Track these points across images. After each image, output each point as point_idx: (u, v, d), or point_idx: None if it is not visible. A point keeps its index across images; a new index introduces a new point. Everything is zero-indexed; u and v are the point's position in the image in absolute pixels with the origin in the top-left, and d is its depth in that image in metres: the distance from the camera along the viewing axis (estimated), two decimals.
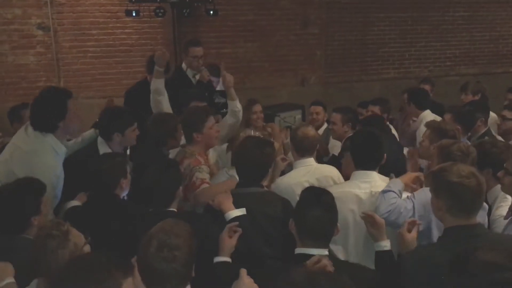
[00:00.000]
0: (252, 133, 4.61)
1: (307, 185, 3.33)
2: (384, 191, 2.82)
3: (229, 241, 2.48)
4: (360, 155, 3.03)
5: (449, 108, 4.50)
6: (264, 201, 2.88)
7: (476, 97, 5.61)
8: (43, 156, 3.07)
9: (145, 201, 2.89)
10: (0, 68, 7.25)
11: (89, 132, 3.68)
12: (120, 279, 1.63)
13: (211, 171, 3.58)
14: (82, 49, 7.57)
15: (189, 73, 5.24)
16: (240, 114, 4.43)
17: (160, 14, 7.28)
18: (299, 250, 2.25)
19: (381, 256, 2.50)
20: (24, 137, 3.19)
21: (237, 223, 2.57)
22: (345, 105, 5.54)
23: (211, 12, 7.61)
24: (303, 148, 3.51)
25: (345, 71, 9.46)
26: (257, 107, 5.11)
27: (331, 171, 3.50)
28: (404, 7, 9.50)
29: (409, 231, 2.41)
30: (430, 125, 3.55)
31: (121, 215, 2.81)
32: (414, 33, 9.75)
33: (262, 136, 4.21)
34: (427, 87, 6.38)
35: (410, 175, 3.09)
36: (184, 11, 7.55)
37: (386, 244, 2.51)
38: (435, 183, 2.24)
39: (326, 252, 2.25)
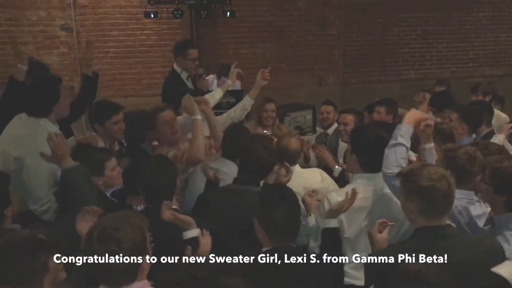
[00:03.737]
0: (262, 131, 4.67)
1: None
2: (395, 144, 2.63)
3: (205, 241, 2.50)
4: (364, 157, 2.87)
5: (456, 107, 4.47)
6: None
7: (487, 98, 5.55)
8: (40, 138, 3.10)
9: (147, 198, 2.92)
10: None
11: (70, 140, 3.65)
12: (45, 258, 1.87)
13: None
14: (103, 50, 7.82)
15: (183, 75, 5.19)
16: (244, 114, 4.51)
17: (178, 15, 7.47)
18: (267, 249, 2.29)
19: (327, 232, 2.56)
20: (19, 124, 3.28)
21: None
22: (363, 106, 5.54)
23: (228, 14, 7.75)
24: (284, 158, 3.50)
25: (364, 71, 9.43)
26: (270, 106, 5.16)
27: (314, 178, 3.53)
28: (426, 7, 9.41)
29: (380, 231, 2.37)
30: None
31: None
32: (435, 34, 9.64)
33: (270, 135, 4.26)
34: (442, 89, 6.33)
35: (414, 115, 2.81)
36: (201, 12, 7.71)
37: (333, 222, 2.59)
38: (406, 186, 2.24)
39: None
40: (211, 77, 6.54)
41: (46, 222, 3.05)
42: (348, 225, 2.76)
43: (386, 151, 2.65)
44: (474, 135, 4.21)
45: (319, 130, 6.26)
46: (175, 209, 2.74)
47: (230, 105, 5.28)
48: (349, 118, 4.59)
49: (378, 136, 2.89)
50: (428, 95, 5.98)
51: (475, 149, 2.72)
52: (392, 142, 2.67)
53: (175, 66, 5.23)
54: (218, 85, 6.19)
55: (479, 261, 2.14)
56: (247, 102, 4.42)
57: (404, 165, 2.59)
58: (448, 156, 2.70)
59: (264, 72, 4.39)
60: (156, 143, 4.30)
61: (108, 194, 3.11)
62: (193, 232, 2.49)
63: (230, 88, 6.22)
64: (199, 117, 3.54)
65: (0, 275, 1.89)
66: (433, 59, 9.77)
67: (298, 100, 8.15)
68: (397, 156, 2.60)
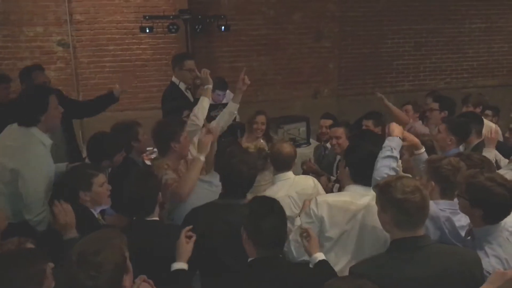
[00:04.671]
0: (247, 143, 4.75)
1: (287, 200, 3.48)
2: (390, 156, 2.76)
3: (185, 247, 2.55)
4: (354, 170, 2.96)
5: (444, 119, 4.54)
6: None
7: (478, 109, 5.61)
8: (33, 148, 3.18)
9: (129, 211, 2.99)
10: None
11: (62, 165, 3.72)
12: (43, 265, 1.93)
13: None
14: (99, 64, 7.89)
15: (182, 86, 5.30)
16: (232, 119, 4.54)
17: (173, 30, 7.56)
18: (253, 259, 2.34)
19: (320, 267, 2.56)
20: (11, 134, 3.33)
21: (191, 226, 2.65)
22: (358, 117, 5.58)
23: (223, 28, 7.85)
24: (278, 164, 3.67)
25: (359, 83, 9.52)
26: (260, 118, 5.25)
27: (307, 183, 3.63)
28: (419, 19, 9.52)
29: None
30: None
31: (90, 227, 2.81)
32: (429, 45, 9.74)
33: (252, 148, 4.33)
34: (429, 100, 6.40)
35: (401, 129, 2.99)
36: (196, 27, 7.81)
37: (320, 256, 2.59)
38: (382, 198, 2.29)
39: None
40: None
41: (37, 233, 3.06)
42: (330, 224, 2.82)
43: (380, 160, 2.73)
44: (461, 147, 4.27)
45: (313, 142, 6.33)
46: (159, 221, 2.81)
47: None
48: (340, 131, 4.66)
49: (370, 152, 2.96)
50: (410, 107, 6.12)
51: (459, 160, 2.78)
52: (387, 153, 2.78)
53: (173, 78, 5.35)
54: (213, 98, 6.27)
55: (454, 272, 2.18)
56: (232, 107, 4.47)
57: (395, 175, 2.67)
58: (432, 167, 2.76)
59: (245, 78, 4.45)
60: (148, 155, 4.35)
61: (95, 212, 3.10)
62: (180, 265, 2.52)
63: (224, 101, 6.32)
64: (203, 158, 3.49)
65: (2, 285, 1.93)
66: (426, 71, 9.86)
67: (293, 112, 8.23)
68: (390, 166, 2.70)
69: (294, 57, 8.98)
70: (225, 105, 5.82)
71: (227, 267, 2.63)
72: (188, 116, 4.30)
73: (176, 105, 4.80)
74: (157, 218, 2.92)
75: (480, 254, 2.39)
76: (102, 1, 7.74)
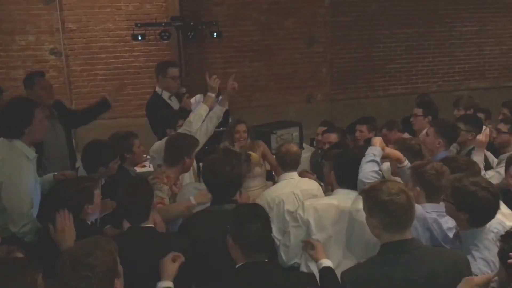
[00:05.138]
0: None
1: (292, 197, 3.53)
2: (373, 160, 2.89)
3: (171, 266, 2.53)
4: (340, 174, 3.06)
5: (432, 121, 4.58)
6: None
7: (469, 112, 5.64)
8: (15, 161, 3.18)
9: (122, 218, 3.01)
10: (15, 93, 7.60)
11: (49, 176, 3.76)
12: (34, 275, 1.92)
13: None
14: (92, 72, 7.91)
15: (165, 95, 5.27)
16: (218, 122, 4.57)
17: (165, 37, 7.59)
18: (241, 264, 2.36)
19: (323, 273, 2.59)
20: None
21: (178, 254, 2.62)
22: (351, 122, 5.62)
23: (215, 34, 7.88)
24: (286, 163, 3.75)
25: (352, 88, 9.57)
26: (241, 127, 5.24)
27: (311, 185, 3.69)
28: (410, 23, 9.59)
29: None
30: (396, 142, 3.69)
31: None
32: (421, 49, 9.81)
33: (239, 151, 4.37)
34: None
35: (381, 140, 3.14)
36: (188, 33, 7.84)
37: (325, 262, 2.63)
38: (368, 202, 2.33)
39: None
40: (198, 97, 6.59)
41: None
42: (316, 228, 2.87)
43: (364, 164, 2.83)
44: (453, 149, 4.29)
45: (306, 147, 6.34)
46: (154, 228, 2.82)
47: (218, 124, 5.37)
48: (333, 136, 4.70)
49: (355, 157, 3.06)
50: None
51: (442, 164, 2.86)
52: (370, 158, 2.89)
53: (156, 88, 5.33)
54: None
55: (443, 274, 2.20)
56: (219, 110, 4.44)
57: (378, 177, 2.76)
58: (416, 172, 2.83)
59: (233, 84, 4.47)
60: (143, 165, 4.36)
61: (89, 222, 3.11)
62: (166, 283, 2.51)
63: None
64: (193, 201, 3.39)
65: None
66: (419, 74, 9.92)
67: (287, 117, 8.25)
68: (374, 169, 2.80)
69: (287, 62, 9.02)
70: None
71: (221, 274, 2.62)
72: (182, 125, 4.32)
73: (170, 114, 4.81)
74: (152, 225, 2.92)
75: (468, 258, 2.42)
76: (94, 10, 7.77)
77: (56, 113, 4.71)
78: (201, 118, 4.27)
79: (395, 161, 3.32)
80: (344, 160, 3.06)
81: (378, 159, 2.91)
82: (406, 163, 3.18)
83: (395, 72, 9.77)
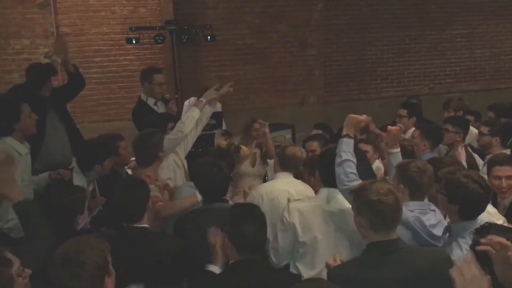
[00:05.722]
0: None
1: (286, 195, 3.57)
2: (341, 162, 2.80)
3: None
4: (325, 173, 3.06)
5: (417, 124, 4.68)
6: None
7: (458, 114, 5.74)
8: None
9: (117, 218, 3.06)
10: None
11: (44, 175, 3.81)
12: (10, 272, 1.95)
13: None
14: (86, 76, 7.74)
15: (150, 102, 5.29)
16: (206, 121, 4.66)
17: (159, 40, 7.65)
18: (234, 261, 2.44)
19: None
20: None
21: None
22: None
23: (209, 38, 7.96)
24: (289, 165, 3.80)
25: (344, 90, 9.66)
26: (257, 125, 5.35)
27: (305, 187, 3.73)
28: (402, 26, 9.71)
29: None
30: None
31: None
32: (412, 52, 9.92)
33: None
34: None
35: (351, 123, 2.98)
36: (182, 37, 7.91)
37: None
38: (357, 202, 2.39)
39: None
40: (192, 100, 6.67)
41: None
42: (302, 230, 2.90)
43: (336, 169, 2.82)
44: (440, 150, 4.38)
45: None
46: (147, 228, 2.88)
47: (211, 127, 5.44)
48: (315, 145, 4.78)
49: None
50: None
51: (425, 163, 2.91)
52: (338, 160, 2.84)
53: (142, 95, 5.37)
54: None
55: (426, 273, 2.27)
56: (208, 110, 4.53)
57: (355, 177, 2.75)
58: (399, 170, 2.88)
59: (229, 90, 4.63)
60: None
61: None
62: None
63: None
64: (199, 197, 3.41)
65: None
66: (411, 76, 10.03)
67: (281, 120, 8.33)
68: (347, 171, 2.77)
69: (280, 65, 9.10)
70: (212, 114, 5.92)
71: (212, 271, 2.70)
72: (172, 128, 4.38)
73: (159, 117, 4.87)
74: (146, 225, 2.98)
75: (454, 247, 2.49)
76: (89, 13, 7.83)
77: (51, 103, 4.62)
78: (193, 120, 4.32)
79: (389, 144, 3.32)
80: (327, 159, 3.04)
81: (346, 155, 2.79)
82: (398, 150, 3.22)
83: (387, 75, 9.87)
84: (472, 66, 10.42)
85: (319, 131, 5.68)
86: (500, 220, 2.98)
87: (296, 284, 2.01)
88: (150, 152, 3.74)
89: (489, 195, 2.71)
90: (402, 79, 9.97)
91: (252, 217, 2.46)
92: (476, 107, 6.83)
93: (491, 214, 2.95)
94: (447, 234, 2.69)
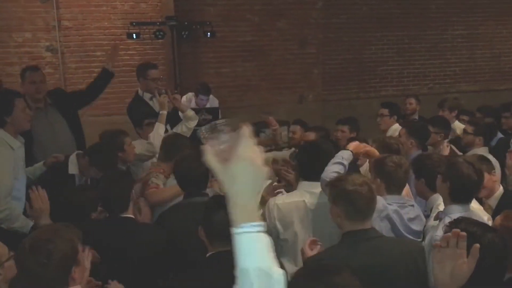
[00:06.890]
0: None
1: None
2: (339, 162, 2.96)
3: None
4: (305, 166, 3.16)
5: (403, 123, 4.77)
6: None
7: (453, 113, 5.80)
8: None
9: (106, 209, 3.15)
10: (11, 89, 7.75)
11: (39, 164, 3.90)
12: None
13: None
14: (87, 70, 8.01)
15: (146, 97, 5.37)
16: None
17: (160, 36, 7.73)
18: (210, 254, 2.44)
19: None
20: None
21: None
22: None
23: (209, 34, 8.03)
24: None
25: (343, 88, 9.71)
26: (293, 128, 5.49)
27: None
28: (401, 26, 9.74)
29: (311, 249, 2.55)
30: (376, 140, 3.83)
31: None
32: (412, 51, 9.95)
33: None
34: (411, 101, 6.64)
35: (357, 144, 3.25)
36: (183, 33, 7.98)
37: None
38: (333, 192, 2.48)
39: None
40: (189, 95, 6.76)
41: None
42: (282, 227, 2.96)
43: (331, 165, 2.93)
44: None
45: None
46: (132, 218, 2.96)
47: (207, 122, 5.50)
48: (312, 135, 4.83)
49: (319, 149, 3.16)
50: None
51: (401, 157, 2.99)
52: (337, 160, 2.98)
53: (138, 90, 5.48)
54: (196, 103, 6.43)
55: (399, 261, 2.34)
56: (189, 112, 4.77)
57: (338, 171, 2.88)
58: (376, 165, 2.97)
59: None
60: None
61: None
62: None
63: (208, 105, 6.48)
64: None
65: None
66: (410, 76, 10.07)
67: (278, 117, 8.35)
68: (337, 170, 2.89)
69: (279, 63, 9.15)
70: (208, 109, 6.02)
71: (195, 264, 2.71)
72: (148, 124, 4.50)
73: (140, 115, 4.98)
74: (131, 215, 3.05)
75: (439, 224, 2.54)
76: (90, 8, 7.90)
77: (50, 101, 4.73)
78: (160, 137, 4.44)
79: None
80: (307, 153, 3.15)
81: (346, 162, 2.98)
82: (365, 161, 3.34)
83: (386, 74, 9.91)
84: (472, 66, 10.44)
85: (298, 126, 5.77)
86: (485, 216, 3.03)
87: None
88: (172, 150, 3.88)
89: (482, 180, 2.76)
90: (401, 79, 10.01)
91: (221, 206, 2.30)
92: (476, 108, 6.87)
93: (476, 211, 3.01)
94: (438, 220, 2.74)
